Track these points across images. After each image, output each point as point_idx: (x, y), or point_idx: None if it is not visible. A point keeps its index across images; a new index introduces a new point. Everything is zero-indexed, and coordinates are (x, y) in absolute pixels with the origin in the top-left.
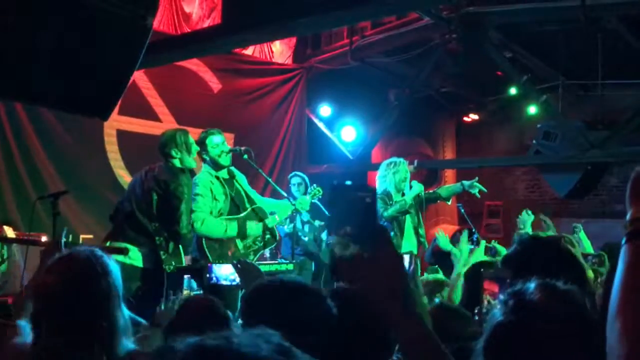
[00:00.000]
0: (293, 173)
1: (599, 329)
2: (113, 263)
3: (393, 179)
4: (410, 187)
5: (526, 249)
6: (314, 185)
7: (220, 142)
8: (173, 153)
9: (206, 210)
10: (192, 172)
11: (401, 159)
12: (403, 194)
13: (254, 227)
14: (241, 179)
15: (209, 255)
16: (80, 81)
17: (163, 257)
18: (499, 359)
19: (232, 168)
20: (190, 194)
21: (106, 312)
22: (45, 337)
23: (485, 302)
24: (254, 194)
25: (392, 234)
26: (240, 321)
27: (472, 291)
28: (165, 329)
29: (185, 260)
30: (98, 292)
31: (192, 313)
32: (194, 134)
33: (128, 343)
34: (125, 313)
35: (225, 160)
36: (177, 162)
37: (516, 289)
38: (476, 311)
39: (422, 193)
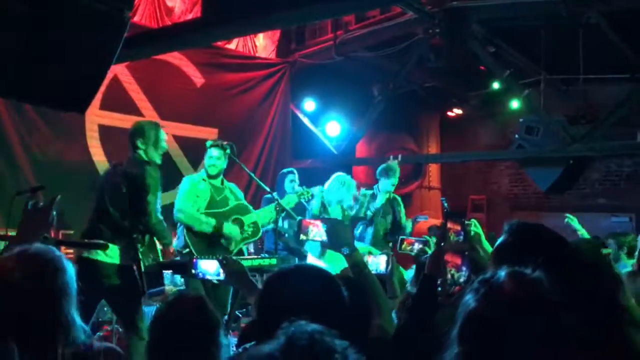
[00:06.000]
0: (290, 169)
1: (565, 313)
2: (69, 263)
3: (346, 194)
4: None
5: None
6: (304, 187)
7: (214, 156)
8: (139, 144)
9: (187, 203)
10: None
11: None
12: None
13: (231, 228)
14: (235, 189)
15: (192, 247)
16: (55, 75)
17: (141, 250)
18: (472, 345)
19: (227, 183)
20: (157, 186)
21: (62, 309)
22: None
23: (449, 275)
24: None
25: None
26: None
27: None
28: (152, 324)
29: (169, 251)
30: (56, 288)
31: (182, 311)
32: (177, 128)
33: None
34: (77, 315)
35: (212, 170)
36: (142, 154)
37: (487, 276)
38: (439, 282)
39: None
